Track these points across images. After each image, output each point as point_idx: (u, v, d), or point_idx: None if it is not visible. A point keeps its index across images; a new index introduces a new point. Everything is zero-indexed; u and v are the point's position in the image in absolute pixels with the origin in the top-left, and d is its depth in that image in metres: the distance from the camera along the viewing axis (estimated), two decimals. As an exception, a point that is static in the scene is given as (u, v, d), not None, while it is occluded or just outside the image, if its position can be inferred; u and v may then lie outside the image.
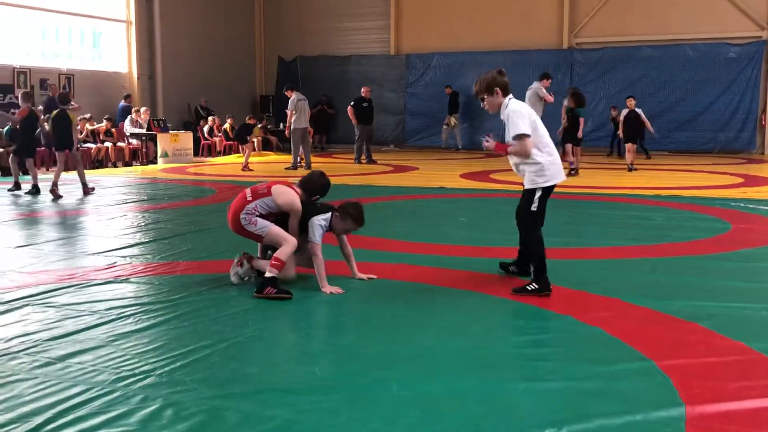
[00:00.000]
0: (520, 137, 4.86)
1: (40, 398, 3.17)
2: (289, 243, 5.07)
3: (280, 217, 5.27)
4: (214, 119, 20.08)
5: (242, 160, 15.43)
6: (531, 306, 4.66)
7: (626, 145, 14.55)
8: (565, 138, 13.14)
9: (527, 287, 4.94)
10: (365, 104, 16.87)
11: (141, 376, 3.42)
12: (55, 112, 11.36)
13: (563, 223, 8.55)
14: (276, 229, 5.16)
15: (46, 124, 13.22)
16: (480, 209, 9.52)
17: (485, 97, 5.01)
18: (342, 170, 14.86)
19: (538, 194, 4.98)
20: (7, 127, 14.11)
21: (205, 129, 19.94)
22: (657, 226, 7.89)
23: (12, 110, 14.76)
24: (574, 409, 3.07)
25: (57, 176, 10.89)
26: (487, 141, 5.05)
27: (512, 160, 5.11)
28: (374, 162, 16.76)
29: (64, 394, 3.20)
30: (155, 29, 19.97)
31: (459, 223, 8.28)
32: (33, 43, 17.34)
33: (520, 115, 4.89)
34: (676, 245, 6.69)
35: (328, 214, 5.21)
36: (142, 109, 17.93)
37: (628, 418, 2.97)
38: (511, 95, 5.05)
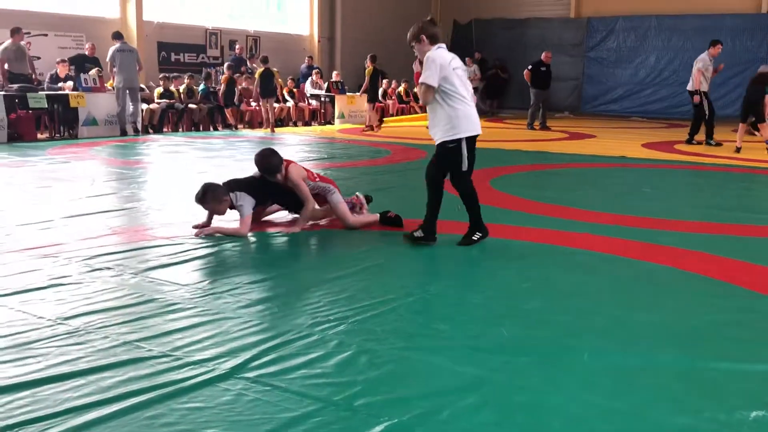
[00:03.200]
0: (424, 85, 4.97)
1: (244, 336, 3.38)
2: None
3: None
4: (388, 82, 20.35)
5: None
6: (728, 284, 4.38)
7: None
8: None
9: (473, 237, 5.19)
10: (543, 69, 16.46)
11: (335, 323, 3.56)
12: (261, 69, 14.82)
13: (733, 197, 7.96)
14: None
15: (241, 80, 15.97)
16: (665, 181, 9.05)
17: (413, 44, 5.14)
18: (514, 136, 14.61)
19: (450, 145, 4.99)
20: (202, 85, 15.08)
21: (379, 92, 20.25)
22: None
23: (206, 69, 15.75)
24: (786, 394, 2.86)
25: (272, 117, 15.24)
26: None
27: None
28: (548, 128, 16.35)
29: (266, 334, 3.40)
30: (336, -8, 20.47)
31: (643, 194, 7.91)
32: (223, 6, 18.31)
33: (432, 63, 4.91)
34: None
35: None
36: (334, 73, 18.63)
37: None
38: (440, 44, 5.06)
